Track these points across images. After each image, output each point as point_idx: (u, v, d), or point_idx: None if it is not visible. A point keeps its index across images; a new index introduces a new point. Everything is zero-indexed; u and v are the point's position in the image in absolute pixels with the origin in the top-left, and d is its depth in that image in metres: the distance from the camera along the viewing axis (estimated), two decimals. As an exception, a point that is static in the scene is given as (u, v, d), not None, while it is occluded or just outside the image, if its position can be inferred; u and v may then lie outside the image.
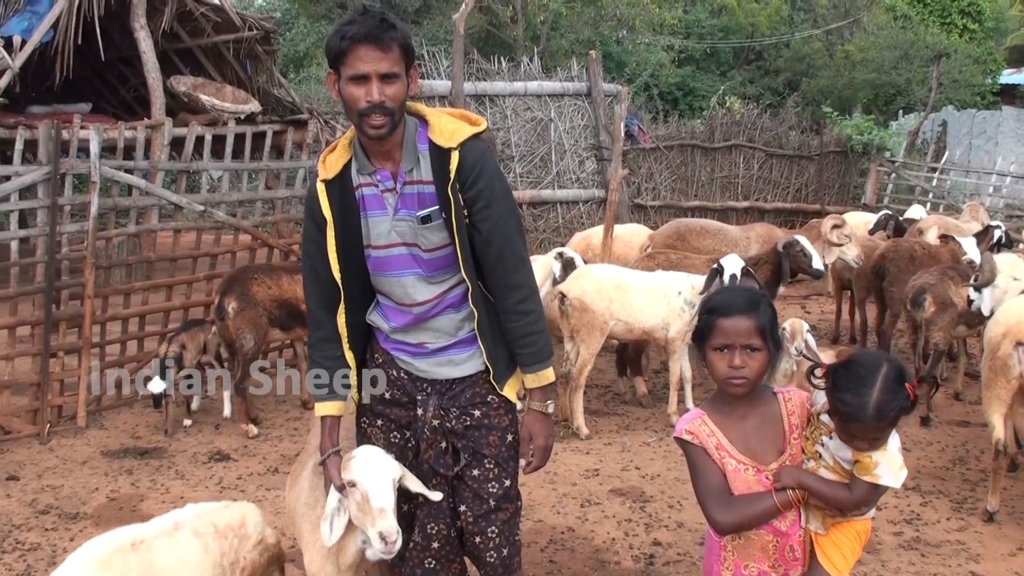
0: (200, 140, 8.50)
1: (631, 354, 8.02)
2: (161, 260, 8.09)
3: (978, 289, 6.33)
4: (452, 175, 2.92)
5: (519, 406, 3.31)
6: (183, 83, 10.52)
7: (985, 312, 6.37)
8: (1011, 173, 18.48)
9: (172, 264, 8.22)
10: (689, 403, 7.34)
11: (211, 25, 10.75)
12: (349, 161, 3.02)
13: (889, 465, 2.63)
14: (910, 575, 4.75)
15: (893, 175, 18.40)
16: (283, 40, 24.93)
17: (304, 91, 18.26)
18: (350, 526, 3.01)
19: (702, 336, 2.76)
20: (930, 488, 5.96)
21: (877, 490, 2.67)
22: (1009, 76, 31.49)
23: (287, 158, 9.41)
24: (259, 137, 9.26)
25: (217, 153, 8.98)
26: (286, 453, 6.60)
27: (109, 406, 7.61)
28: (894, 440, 2.67)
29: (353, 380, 3.21)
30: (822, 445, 2.74)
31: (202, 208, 8.12)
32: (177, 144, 9.12)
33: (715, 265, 7.00)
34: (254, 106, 10.41)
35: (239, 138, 8.86)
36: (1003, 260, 6.58)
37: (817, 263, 7.62)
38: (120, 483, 6.01)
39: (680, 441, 2.80)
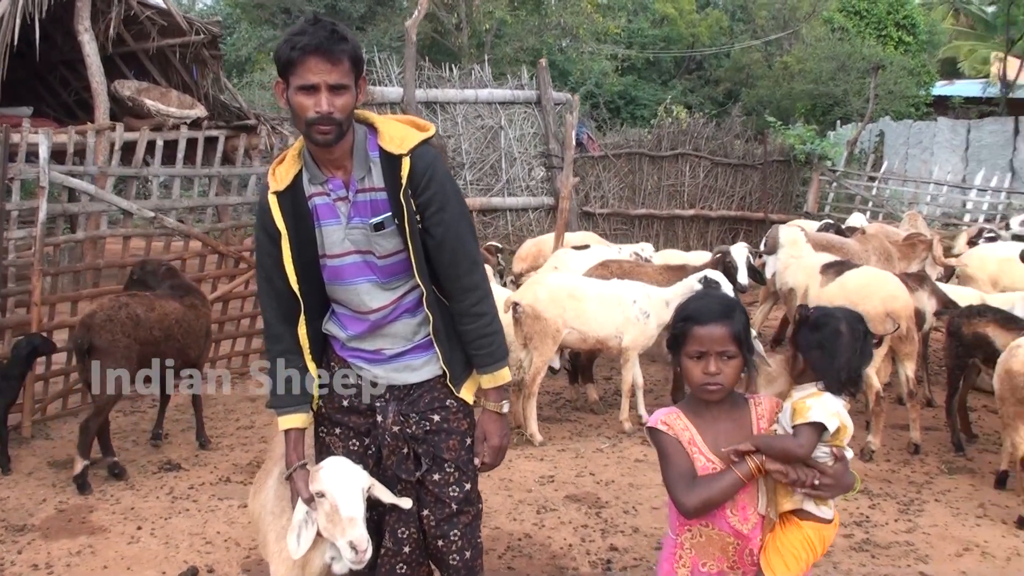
0: (149, 146, 8.37)
1: (583, 361, 8.06)
2: (110, 267, 7.95)
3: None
4: (404, 181, 2.92)
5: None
6: (127, 87, 10.39)
7: (767, 276, 8.09)
8: (947, 183, 18.89)
9: (121, 271, 8.06)
10: (641, 409, 7.40)
11: (157, 29, 10.64)
12: (300, 172, 3.00)
13: (822, 407, 2.72)
14: (861, 576, 4.83)
15: (834, 184, 18.70)
16: (224, 45, 24.68)
17: (247, 96, 18.08)
18: (317, 538, 2.97)
19: (677, 343, 2.79)
20: (878, 491, 6.06)
21: (815, 431, 2.72)
22: (941, 88, 32.23)
23: (238, 164, 9.32)
24: (207, 143, 9.15)
25: (164, 159, 8.85)
26: (238, 462, 6.53)
27: (55, 415, 7.46)
28: (833, 400, 2.77)
29: (315, 391, 3.18)
30: (777, 422, 2.82)
31: (152, 214, 8.00)
32: (123, 150, 8.98)
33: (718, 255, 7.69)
34: (200, 111, 10.32)
35: (187, 144, 8.75)
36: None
37: (742, 276, 7.75)
38: (68, 494, 5.89)
39: (653, 431, 2.83)
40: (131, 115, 10.24)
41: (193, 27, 10.78)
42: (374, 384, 3.15)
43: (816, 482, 2.71)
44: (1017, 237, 11.11)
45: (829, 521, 2.82)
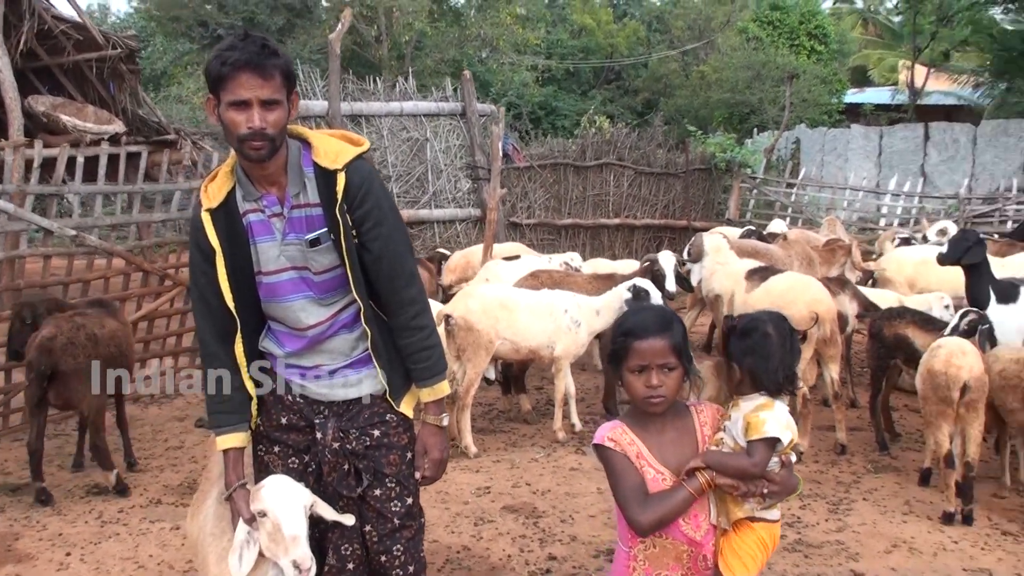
0: (68, 163, 8.17)
1: (515, 372, 8.08)
2: (30, 287, 7.73)
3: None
4: (339, 196, 2.91)
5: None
6: (42, 103, 10.16)
7: (693, 283, 8.28)
8: (863, 188, 19.39)
9: (42, 292, 7.86)
10: (574, 418, 7.43)
11: (72, 43, 10.40)
12: (233, 188, 2.97)
13: (776, 421, 2.78)
14: (795, 576, 4.92)
15: (754, 191, 19.06)
16: (140, 59, 24.25)
17: (165, 111, 17.80)
18: (259, 558, 2.93)
19: (618, 358, 2.82)
20: (808, 492, 6.17)
21: (770, 446, 2.77)
22: (853, 95, 33.07)
23: (161, 180, 9.17)
24: (128, 159, 8.97)
25: (84, 176, 8.66)
26: (168, 484, 6.40)
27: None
28: (783, 408, 2.84)
29: (254, 410, 3.14)
30: (724, 430, 2.86)
31: (74, 233, 7.80)
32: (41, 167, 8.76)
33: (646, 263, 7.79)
34: (118, 126, 10.13)
35: (108, 160, 8.57)
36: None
37: (670, 284, 7.86)
38: (-10, 522, 5.72)
39: (600, 448, 2.84)
40: (46, 131, 10.01)
41: (110, 41, 10.57)
42: (313, 401, 3.12)
43: (765, 491, 2.77)
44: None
45: (777, 521, 2.88)
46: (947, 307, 8.02)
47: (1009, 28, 27.62)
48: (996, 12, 27.41)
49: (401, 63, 24.28)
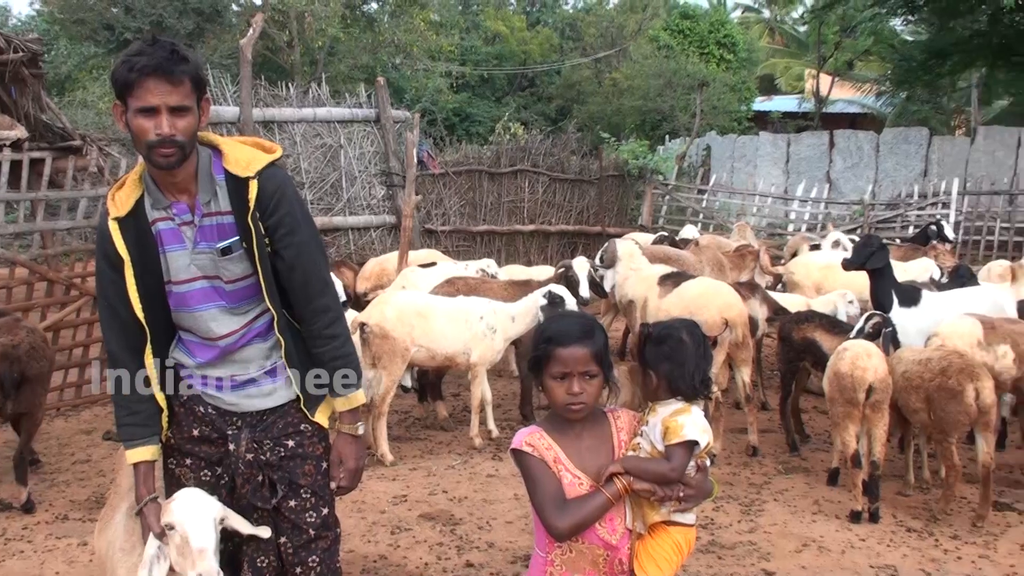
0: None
1: (431, 379, 8.06)
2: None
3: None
4: (252, 204, 2.88)
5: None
6: (-61, 108, 9.81)
7: (607, 288, 8.37)
8: (771, 194, 19.81)
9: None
10: (491, 425, 7.45)
11: (-30, 46, 10.08)
12: (141, 196, 2.92)
13: (694, 424, 2.82)
14: (709, 578, 5.00)
15: (667, 197, 19.33)
16: (44, 63, 23.58)
17: (70, 116, 17.33)
18: (170, 574, 2.88)
19: (540, 365, 2.83)
20: (720, 494, 6.27)
21: (688, 450, 2.81)
22: (761, 103, 33.80)
23: (66, 187, 8.92)
24: (31, 165, 8.72)
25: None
26: (75, 499, 6.23)
27: None
28: (699, 412, 2.88)
29: (164, 422, 3.08)
30: (641, 435, 2.89)
31: (-27, 242, 7.58)
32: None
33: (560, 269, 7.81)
34: (20, 132, 9.84)
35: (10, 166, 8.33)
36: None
37: (584, 290, 7.93)
38: None
39: (517, 453, 2.85)
40: (-56, 137, 9.68)
41: (11, 44, 10.27)
42: (225, 412, 3.07)
43: (681, 495, 2.81)
44: None
45: (692, 525, 2.92)
46: (851, 303, 8.28)
47: (909, 39, 28.51)
48: (896, 23, 28.27)
49: (314, 69, 24.09)
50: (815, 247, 11.53)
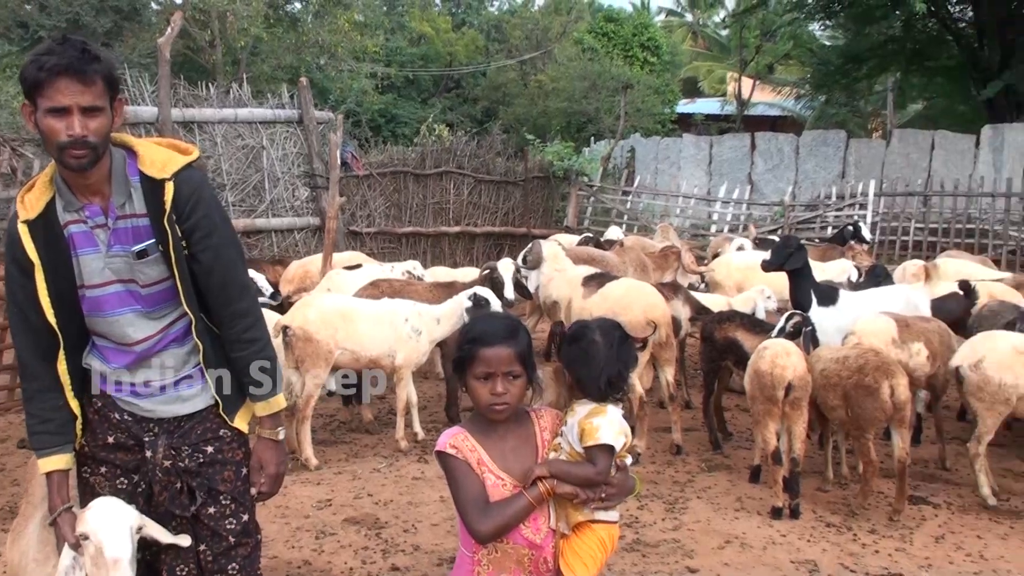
0: None
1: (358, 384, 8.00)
2: None
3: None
4: (168, 207, 2.83)
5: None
6: None
7: (531, 290, 8.45)
8: (694, 196, 20.07)
9: None
10: (416, 427, 7.42)
11: None
12: (52, 199, 2.85)
13: (609, 427, 2.83)
14: (633, 575, 5.03)
15: (592, 199, 19.47)
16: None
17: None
18: None
19: (463, 365, 2.82)
20: (645, 492, 6.33)
21: (607, 453, 2.83)
22: (684, 106, 34.27)
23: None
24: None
25: None
26: (-15, 509, 6.07)
27: None
28: (616, 412, 2.89)
29: (78, 430, 3.01)
30: (561, 435, 2.90)
31: None
32: None
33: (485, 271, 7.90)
34: (-73, 132, 9.53)
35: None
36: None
37: (508, 292, 7.94)
38: None
39: (441, 455, 2.84)
40: None
41: (-82, 42, 9.96)
42: (142, 419, 3.01)
43: (604, 496, 2.83)
44: None
45: (616, 522, 2.95)
46: (769, 298, 8.45)
47: (827, 44, 29.18)
48: (815, 28, 28.90)
49: (236, 69, 23.76)
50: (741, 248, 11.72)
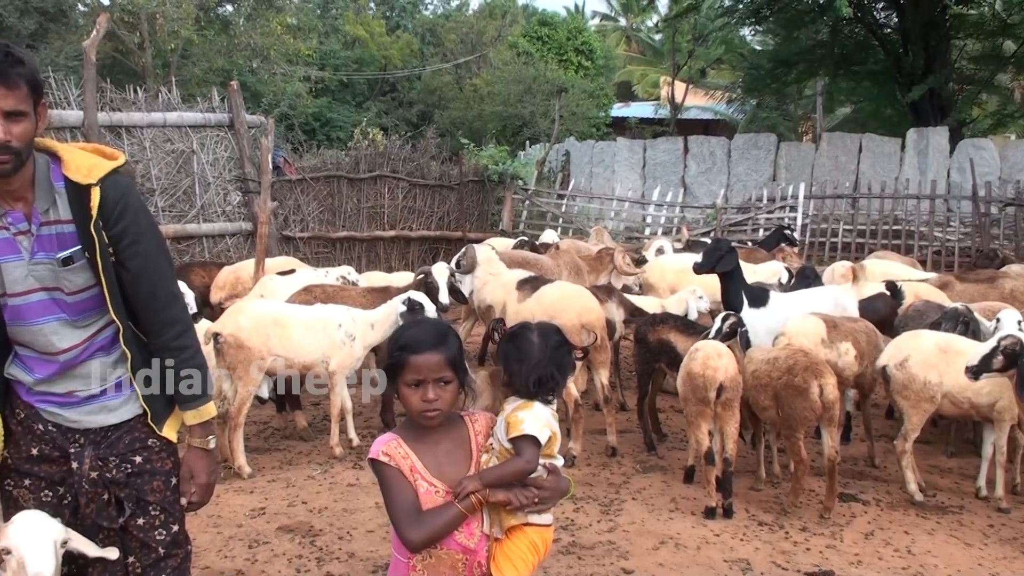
0: None
1: (288, 389, 7.91)
2: None
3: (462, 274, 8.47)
4: (94, 213, 2.78)
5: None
6: None
7: (466, 294, 8.40)
8: (628, 199, 20.25)
9: None
10: (351, 433, 7.37)
11: None
12: None
13: (533, 419, 2.86)
14: (570, 578, 5.06)
15: (527, 202, 19.54)
16: None
17: None
18: None
19: (394, 372, 2.82)
20: (581, 495, 6.37)
21: (532, 443, 2.85)
22: (619, 109, 34.55)
23: None
24: None
25: None
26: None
27: None
28: (542, 409, 2.91)
29: (0, 442, 2.94)
30: (492, 435, 2.93)
31: None
32: None
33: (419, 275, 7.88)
34: None
35: None
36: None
37: (443, 296, 7.93)
38: None
39: (374, 462, 2.83)
40: None
41: None
42: (67, 430, 2.95)
43: (537, 500, 2.84)
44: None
45: (549, 525, 2.96)
46: (700, 298, 8.57)
47: (758, 48, 29.63)
48: (746, 33, 29.33)
49: (167, 72, 23.39)
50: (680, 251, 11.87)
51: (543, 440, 2.86)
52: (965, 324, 6.83)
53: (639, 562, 5.29)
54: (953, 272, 12.44)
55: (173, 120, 13.78)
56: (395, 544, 2.90)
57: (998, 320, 6.75)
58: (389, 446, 2.84)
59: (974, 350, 5.66)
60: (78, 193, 2.80)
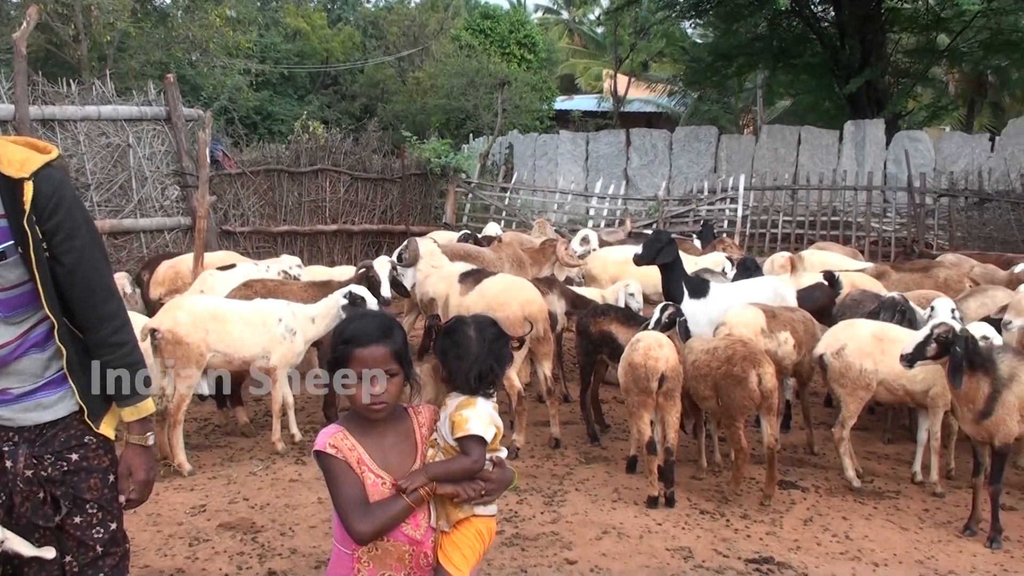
0: None
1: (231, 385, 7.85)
2: None
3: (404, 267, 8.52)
4: (27, 207, 2.73)
5: None
6: None
7: (407, 285, 8.40)
8: (571, 191, 20.34)
9: None
10: (293, 428, 7.32)
11: None
12: None
13: (478, 419, 2.87)
14: (513, 570, 5.08)
15: (470, 195, 19.54)
16: None
17: None
18: None
19: (339, 365, 2.81)
20: (524, 486, 6.40)
21: (479, 442, 2.86)
22: (562, 102, 34.69)
23: None
24: None
25: None
26: None
27: None
28: (485, 405, 2.93)
29: None
30: (436, 431, 2.94)
31: None
32: None
33: (361, 269, 7.92)
34: None
35: None
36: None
37: (385, 290, 7.90)
38: None
39: (320, 454, 2.82)
40: None
41: None
42: (1, 427, 2.90)
43: (483, 493, 2.86)
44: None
45: (494, 515, 2.99)
46: (632, 294, 8.67)
47: (699, 41, 29.90)
48: (687, 26, 29.60)
49: (103, 65, 23.00)
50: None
51: (489, 439, 2.88)
52: (902, 313, 6.97)
53: (582, 552, 5.33)
54: (889, 262, 12.69)
55: (108, 113, 13.53)
56: (338, 536, 2.89)
57: (932, 308, 6.90)
58: (335, 438, 2.83)
59: (909, 338, 5.78)
60: (10, 187, 2.74)
